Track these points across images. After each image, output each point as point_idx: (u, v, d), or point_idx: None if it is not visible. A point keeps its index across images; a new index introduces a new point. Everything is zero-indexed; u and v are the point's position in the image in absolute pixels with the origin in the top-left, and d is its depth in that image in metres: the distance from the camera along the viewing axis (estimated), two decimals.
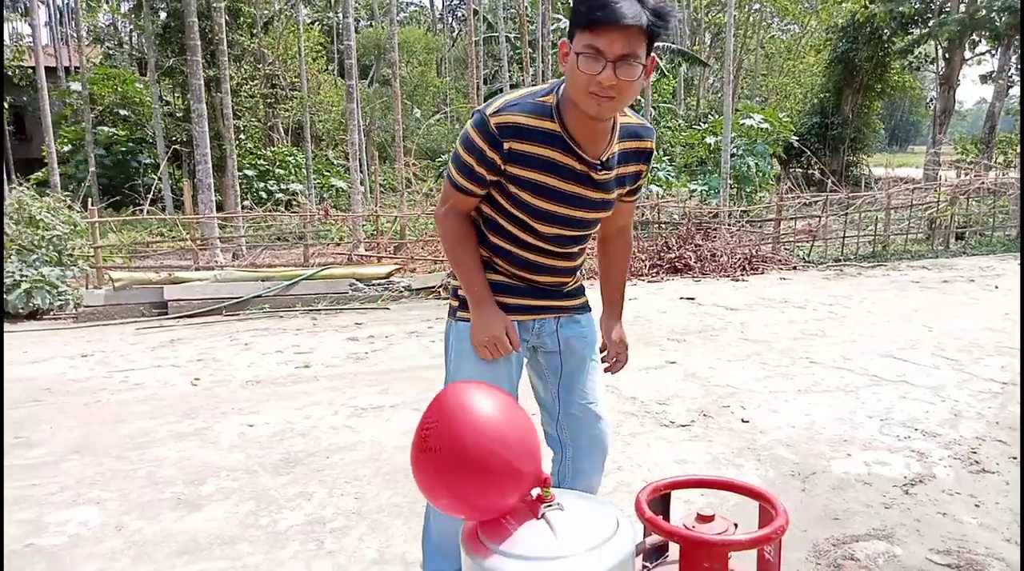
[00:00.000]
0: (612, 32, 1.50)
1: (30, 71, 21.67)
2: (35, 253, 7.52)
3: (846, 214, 12.15)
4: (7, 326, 6.88)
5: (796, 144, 21.76)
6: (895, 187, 12.99)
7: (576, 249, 1.97)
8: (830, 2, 27.53)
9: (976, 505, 3.30)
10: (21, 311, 6.98)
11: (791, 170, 22.48)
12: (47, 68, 20.81)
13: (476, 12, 25.36)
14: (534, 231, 1.86)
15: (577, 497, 1.06)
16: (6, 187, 6.93)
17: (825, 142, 25.81)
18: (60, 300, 7.23)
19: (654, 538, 1.53)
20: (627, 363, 2.29)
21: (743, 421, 4.29)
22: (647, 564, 1.65)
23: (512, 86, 22.55)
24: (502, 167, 1.75)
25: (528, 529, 1.00)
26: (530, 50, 22.96)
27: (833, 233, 11.96)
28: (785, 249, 11.21)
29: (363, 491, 3.38)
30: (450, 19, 41.37)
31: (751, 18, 32.30)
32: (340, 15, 15.61)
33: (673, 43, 28.61)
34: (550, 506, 1.03)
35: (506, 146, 1.71)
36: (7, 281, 7.00)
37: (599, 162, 1.77)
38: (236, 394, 4.83)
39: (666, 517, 1.62)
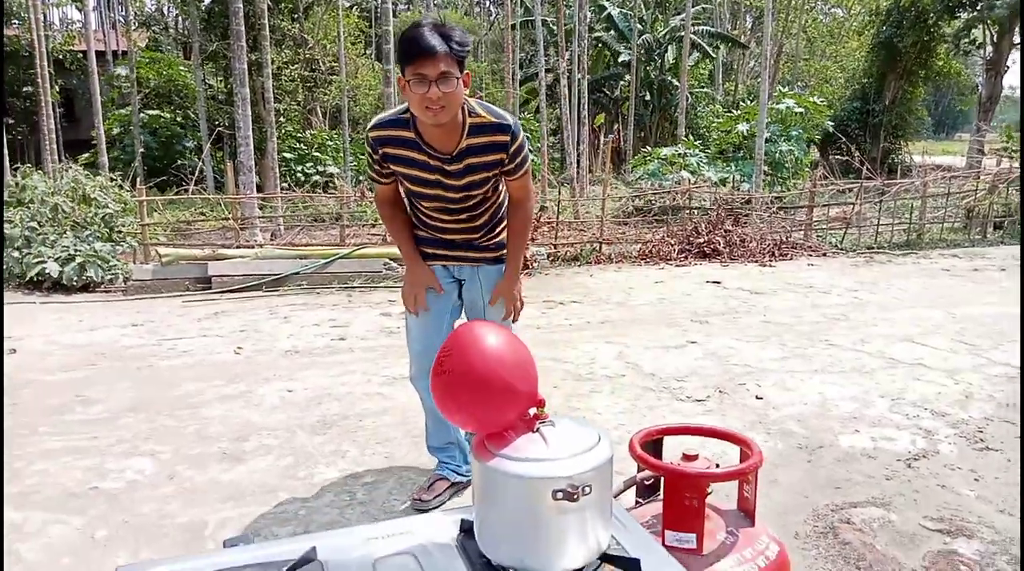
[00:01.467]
0: (427, 61, 2.11)
1: (80, 56, 22.31)
2: (88, 229, 7.93)
3: (880, 201, 12.07)
4: (62, 297, 7.30)
5: (834, 131, 21.51)
6: (932, 174, 12.83)
7: (465, 216, 2.65)
8: None
9: (976, 479, 3.44)
10: (75, 283, 7.38)
11: (830, 157, 22.19)
12: (97, 53, 21.48)
13: None
14: (418, 207, 2.65)
15: (568, 419, 1.29)
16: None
17: (866, 128, 25.37)
18: (111, 274, 7.62)
19: (645, 474, 1.74)
20: (519, 313, 2.91)
21: (757, 398, 4.45)
22: (640, 500, 1.87)
23: (547, 70, 22.59)
24: (385, 165, 2.51)
25: (524, 439, 1.22)
26: (567, 27, 22.99)
27: (867, 221, 11.90)
28: (817, 236, 11.22)
29: (392, 451, 3.64)
30: (487, 3, 41.37)
31: (793, 1, 31.77)
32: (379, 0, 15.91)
33: (711, 26, 28.35)
34: (544, 422, 1.25)
35: (380, 151, 2.45)
36: (62, 255, 7.41)
37: (449, 155, 2.40)
38: (277, 362, 5.13)
39: (658, 459, 1.83)
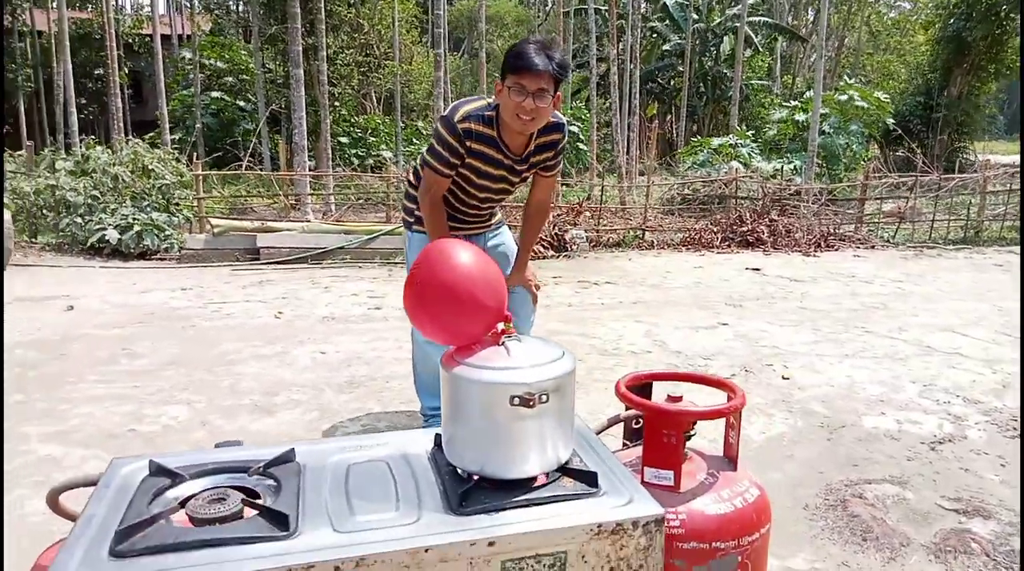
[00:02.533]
0: (530, 75, 2.30)
1: (148, 39, 23.09)
2: (146, 199, 8.27)
3: (937, 197, 11.71)
4: (119, 262, 7.64)
5: (894, 126, 20.85)
6: (992, 170, 12.36)
7: (490, 204, 2.91)
8: None
9: (1002, 465, 3.36)
10: (132, 250, 7.72)
11: (891, 153, 21.54)
12: (162, 36, 22.21)
13: None
14: (468, 193, 2.77)
15: (537, 339, 1.35)
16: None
17: (928, 124, 24.50)
18: (166, 243, 7.94)
19: (629, 413, 1.79)
20: (536, 299, 3.12)
21: (783, 378, 4.42)
22: (627, 443, 1.92)
23: (599, 59, 22.46)
24: (464, 157, 2.56)
25: (489, 351, 1.29)
26: (620, 22, 22.79)
27: (922, 216, 11.56)
28: (868, 230, 10.95)
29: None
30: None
31: None
32: None
33: (770, 18, 27.73)
34: (509, 337, 1.32)
35: (467, 143, 2.53)
36: (122, 223, 7.75)
37: (519, 157, 2.61)
38: (313, 327, 5.30)
39: None
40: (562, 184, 13.19)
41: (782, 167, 14.09)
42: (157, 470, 1.30)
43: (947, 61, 24.52)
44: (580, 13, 24.98)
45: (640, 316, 5.79)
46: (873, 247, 9.82)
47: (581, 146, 19.62)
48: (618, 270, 7.88)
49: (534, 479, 1.28)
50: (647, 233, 9.89)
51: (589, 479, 1.29)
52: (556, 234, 8.57)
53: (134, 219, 7.85)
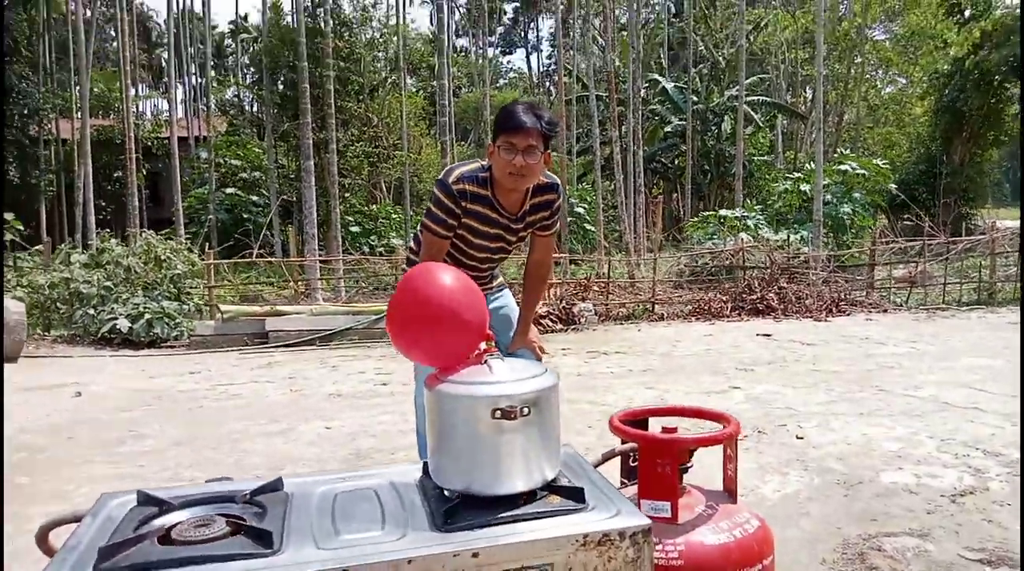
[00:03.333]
0: (519, 133, 2.37)
1: (165, 142, 24.03)
2: (158, 289, 8.42)
3: (947, 259, 11.70)
4: (130, 351, 7.71)
5: (899, 193, 21.07)
6: (999, 232, 12.40)
7: (490, 264, 2.92)
8: (930, 49, 26.83)
9: None
10: (143, 339, 7.80)
11: (898, 220, 21.68)
12: (180, 139, 23.12)
13: (570, 72, 26.30)
14: (467, 254, 2.76)
15: (521, 359, 1.36)
16: (93, 239, 7.73)
17: (933, 192, 24.74)
18: (176, 330, 8.03)
19: (624, 446, 1.76)
20: (541, 357, 3.04)
21: (798, 438, 4.34)
22: (625, 481, 1.88)
23: (602, 143, 23.07)
24: (461, 218, 2.59)
25: (472, 369, 1.30)
26: (620, 108, 23.51)
27: (933, 280, 11.53)
28: (880, 295, 10.90)
29: None
30: (547, 83, 42.82)
31: (852, 70, 31.80)
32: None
33: (768, 97, 28.56)
34: (492, 355, 1.32)
35: (463, 203, 2.56)
36: (133, 312, 7.87)
37: (515, 216, 2.65)
38: (320, 404, 5.28)
39: None
40: (570, 261, 13.32)
41: (788, 237, 14.19)
42: (145, 500, 1.30)
43: (946, 130, 24.97)
44: (582, 100, 25.85)
45: (650, 383, 5.74)
46: (885, 311, 9.76)
47: (588, 226, 19.92)
48: (627, 341, 7.85)
49: (520, 497, 1.27)
50: (656, 306, 9.90)
51: (576, 495, 1.27)
52: (564, 308, 8.60)
53: (145, 308, 7.98)
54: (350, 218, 19.45)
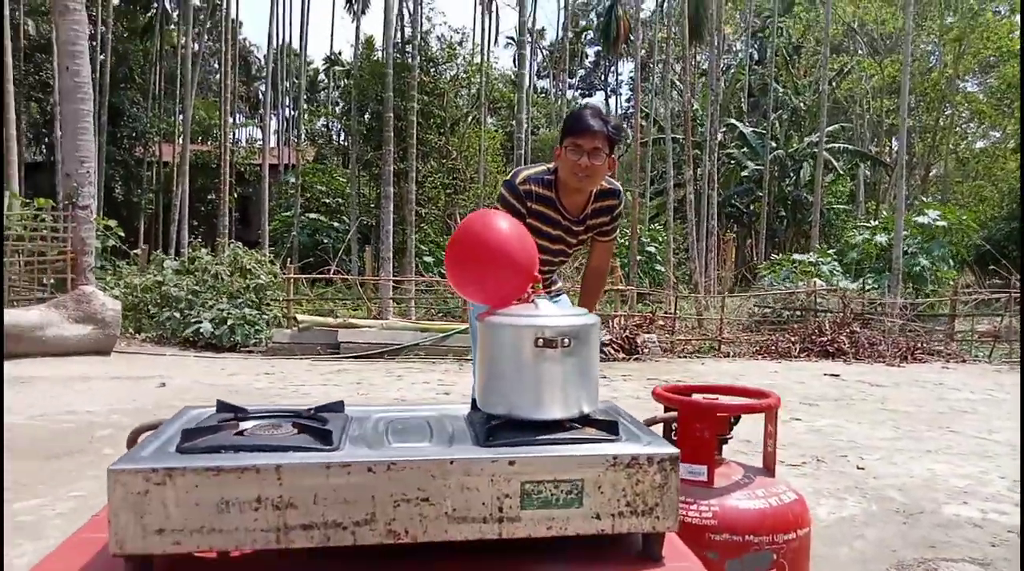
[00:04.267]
0: (586, 135, 2.47)
1: (257, 168, 25.32)
2: (241, 297, 8.87)
3: None
4: (212, 353, 8.13)
5: (989, 249, 20.19)
6: None
7: (550, 266, 2.93)
8: None
9: None
10: (224, 343, 8.22)
11: (987, 278, 20.75)
12: (271, 165, 24.37)
13: (647, 115, 26.47)
14: None
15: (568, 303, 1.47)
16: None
17: None
18: (256, 337, 8.42)
19: (666, 414, 1.84)
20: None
21: (858, 468, 4.25)
22: None
23: (677, 185, 23.04)
24: (525, 217, 2.62)
25: (520, 307, 1.43)
26: (696, 151, 23.50)
27: (1018, 335, 10.98)
28: (960, 347, 10.46)
29: None
30: (625, 125, 43.13)
31: (941, 121, 30.91)
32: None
33: (850, 145, 28.00)
34: (540, 296, 1.45)
35: (528, 203, 2.65)
36: (216, 317, 8.31)
37: (576, 218, 2.74)
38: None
39: None
40: (637, 295, 13.29)
41: (864, 285, 13.80)
42: (223, 407, 1.46)
43: None
44: (658, 142, 25.95)
45: None
46: (964, 361, 9.37)
47: (659, 267, 19.85)
48: (690, 372, 7.80)
49: (559, 426, 1.37)
50: (723, 345, 9.79)
51: (611, 428, 1.36)
52: (627, 337, 8.62)
53: (228, 314, 8.41)
54: (424, 247, 19.98)
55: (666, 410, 1.80)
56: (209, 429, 1.30)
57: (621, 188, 2.86)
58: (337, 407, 1.54)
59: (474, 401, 1.54)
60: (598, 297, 3.25)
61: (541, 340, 1.34)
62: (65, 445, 4.31)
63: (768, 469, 1.84)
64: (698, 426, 1.68)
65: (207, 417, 1.46)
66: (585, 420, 1.43)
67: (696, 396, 1.86)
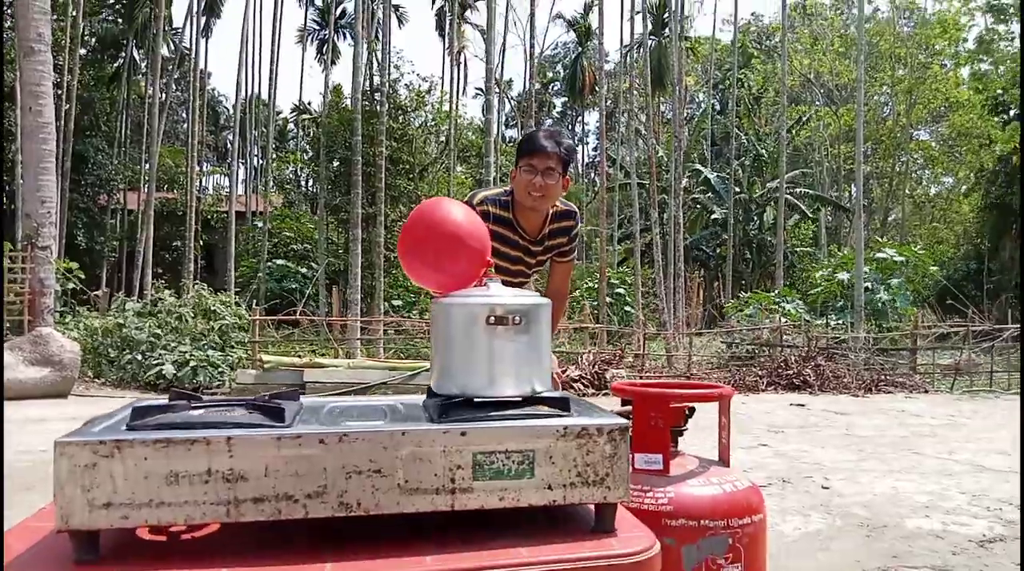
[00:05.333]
0: (539, 155, 2.52)
1: (223, 215, 25.23)
2: (204, 339, 8.74)
3: (992, 347, 11.43)
4: None
5: (949, 287, 20.73)
6: None
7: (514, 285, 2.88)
8: (974, 147, 26.91)
9: None
10: (187, 386, 8.06)
11: (947, 317, 21.25)
12: (238, 213, 24.32)
13: (613, 162, 27.01)
14: None
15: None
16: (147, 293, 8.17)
17: (982, 289, 24.26)
18: (219, 379, 8.28)
19: (622, 409, 1.86)
20: (559, 387, 3.17)
21: (823, 488, 4.29)
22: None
23: (643, 230, 23.40)
24: None
25: (473, 289, 1.45)
26: (662, 196, 23.96)
27: (979, 367, 11.25)
28: (924, 379, 10.64)
29: None
30: (592, 174, 43.87)
31: (897, 167, 31.98)
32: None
33: (811, 189, 28.80)
34: (491, 279, 1.48)
35: (486, 225, 2.70)
36: (179, 359, 8.17)
37: (534, 239, 2.77)
38: None
39: None
40: (607, 333, 13.37)
41: (828, 322, 14.05)
42: (177, 396, 1.45)
43: (994, 227, 24.73)
44: (625, 188, 26.42)
45: None
46: (926, 391, 9.54)
47: (628, 309, 20.02)
48: None
49: (511, 403, 1.39)
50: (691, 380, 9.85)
51: (562, 404, 1.38)
52: (596, 373, 8.64)
53: (191, 356, 8.28)
54: (394, 292, 19.94)
55: (623, 404, 1.83)
56: (160, 408, 1.30)
57: (576, 209, 2.92)
58: (293, 396, 1.54)
59: (429, 390, 1.55)
60: (559, 319, 3.31)
61: (493, 317, 1.37)
62: (17, 483, 4.19)
63: (723, 460, 1.87)
64: (652, 415, 1.71)
65: (159, 404, 1.46)
66: (538, 399, 1.45)
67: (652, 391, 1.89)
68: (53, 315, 8.01)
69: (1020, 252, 11.16)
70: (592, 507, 1.33)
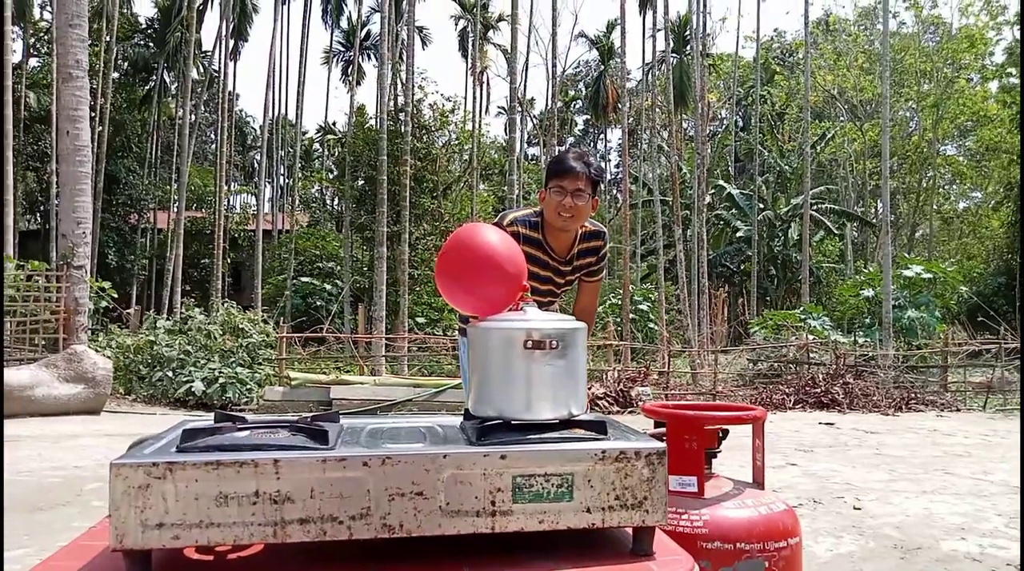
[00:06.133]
0: (568, 177, 2.55)
1: (251, 234, 25.58)
2: (233, 357, 8.85)
3: None
4: (203, 412, 8.06)
5: (979, 303, 20.37)
6: None
7: (541, 307, 2.94)
8: (1002, 162, 26.53)
9: None
10: (215, 402, 8.16)
11: (978, 333, 20.87)
12: (265, 231, 24.65)
13: (635, 179, 27.00)
14: None
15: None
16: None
17: (1014, 305, 23.80)
18: (247, 396, 8.37)
19: (655, 431, 1.87)
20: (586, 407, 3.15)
21: (855, 508, 4.23)
22: None
23: (666, 246, 23.32)
24: None
25: (509, 313, 1.48)
26: (686, 212, 23.89)
27: (1011, 385, 11.01)
28: (956, 397, 10.46)
29: None
30: (615, 190, 43.88)
31: (924, 182, 31.58)
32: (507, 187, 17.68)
33: (836, 205, 28.54)
34: (528, 304, 1.50)
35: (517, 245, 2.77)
36: (208, 376, 8.28)
37: (564, 259, 2.81)
38: None
39: None
40: (631, 350, 13.32)
41: (855, 339, 13.87)
42: (221, 417, 1.49)
43: None
44: (647, 205, 26.39)
45: None
46: (958, 410, 9.37)
47: (652, 325, 19.93)
48: None
49: (548, 427, 1.41)
50: (717, 398, 9.78)
51: (599, 427, 1.40)
52: (621, 391, 8.61)
53: (220, 373, 8.38)
54: (417, 308, 20.04)
55: (656, 426, 1.84)
56: (208, 431, 1.34)
57: (605, 229, 2.96)
58: (333, 417, 1.57)
59: (467, 412, 1.58)
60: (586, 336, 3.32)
61: (530, 342, 1.40)
62: (52, 498, 4.27)
63: (757, 482, 1.87)
64: (687, 437, 1.72)
65: (207, 425, 1.49)
66: (574, 422, 1.47)
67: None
68: (87, 333, 8.18)
69: (1019, 262, 10.96)
70: (630, 530, 1.35)
